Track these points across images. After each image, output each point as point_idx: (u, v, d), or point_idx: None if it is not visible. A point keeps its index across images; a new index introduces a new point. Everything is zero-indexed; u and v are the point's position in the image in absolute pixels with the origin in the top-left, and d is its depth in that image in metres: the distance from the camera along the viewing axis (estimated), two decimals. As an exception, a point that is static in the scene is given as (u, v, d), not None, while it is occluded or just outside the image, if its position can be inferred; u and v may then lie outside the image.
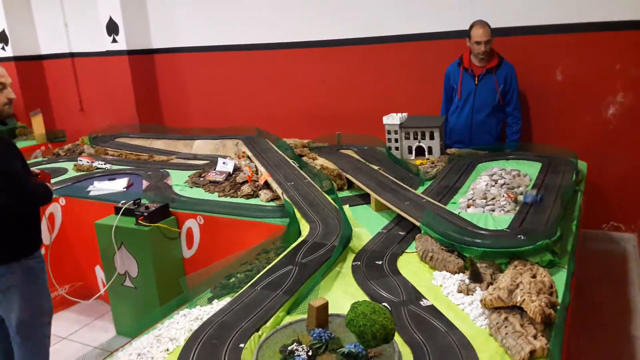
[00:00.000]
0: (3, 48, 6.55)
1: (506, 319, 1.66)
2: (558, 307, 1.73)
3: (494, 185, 3.05)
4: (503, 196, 2.85)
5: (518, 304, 1.67)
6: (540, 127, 4.33)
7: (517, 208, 2.69)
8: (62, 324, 3.63)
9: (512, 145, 3.98)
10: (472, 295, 1.89)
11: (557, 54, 4.17)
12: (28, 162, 4.43)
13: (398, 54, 4.75)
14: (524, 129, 4.19)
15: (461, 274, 2.04)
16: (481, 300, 1.76)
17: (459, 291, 1.92)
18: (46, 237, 3.64)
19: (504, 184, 3.06)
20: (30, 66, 6.68)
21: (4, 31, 6.48)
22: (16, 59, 6.54)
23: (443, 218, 2.46)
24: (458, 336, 1.63)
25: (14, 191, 2.43)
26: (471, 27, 3.92)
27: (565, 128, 4.22)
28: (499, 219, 2.58)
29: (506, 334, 1.60)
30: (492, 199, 2.86)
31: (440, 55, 4.46)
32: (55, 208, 3.70)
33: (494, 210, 2.71)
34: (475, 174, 3.36)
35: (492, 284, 1.91)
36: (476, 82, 4.01)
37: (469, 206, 2.79)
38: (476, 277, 1.97)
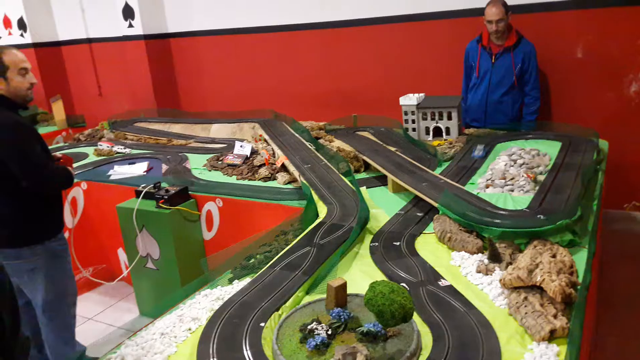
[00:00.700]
0: (22, 35, 6.61)
1: (526, 298, 1.66)
2: (579, 287, 1.72)
3: (513, 165, 3.03)
4: (522, 176, 2.82)
5: (538, 284, 1.67)
6: (560, 105, 4.25)
7: (537, 188, 2.66)
8: (87, 305, 3.72)
9: (529, 125, 3.92)
10: (491, 275, 1.89)
11: (577, 31, 4.07)
12: (50, 147, 4.52)
13: (415, 33, 4.68)
14: (543, 107, 4.12)
15: (480, 254, 2.04)
16: (500, 280, 1.76)
17: (478, 271, 1.92)
18: (69, 221, 3.73)
19: (523, 163, 3.03)
20: (49, 52, 6.75)
21: (22, 18, 6.54)
22: (35, 45, 6.61)
23: (461, 199, 2.45)
24: (477, 316, 1.64)
25: (34, 175, 2.49)
26: (486, 5, 3.85)
27: (586, 106, 4.14)
28: (518, 199, 2.56)
29: (526, 313, 1.60)
30: (511, 179, 2.83)
31: (457, 34, 4.39)
32: (77, 192, 3.77)
33: (513, 191, 2.69)
34: (494, 154, 3.33)
35: (511, 264, 1.91)
36: (493, 61, 3.96)
37: (487, 186, 2.78)
38: (495, 257, 1.97)
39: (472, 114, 4.14)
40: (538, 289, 1.69)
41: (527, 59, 3.90)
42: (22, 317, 2.78)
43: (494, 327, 1.58)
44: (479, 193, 2.65)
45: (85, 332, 3.39)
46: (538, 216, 2.19)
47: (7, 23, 6.67)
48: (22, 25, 6.58)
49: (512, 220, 2.18)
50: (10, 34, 6.66)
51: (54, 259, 2.65)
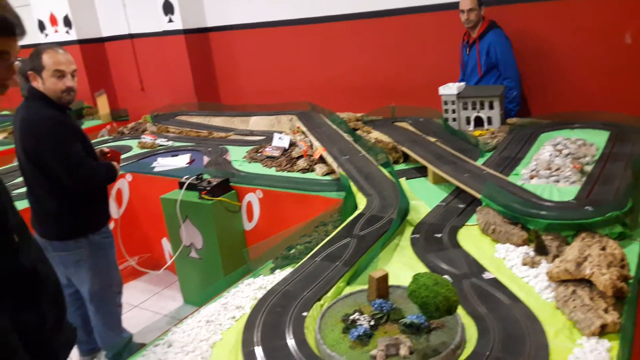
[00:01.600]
0: (67, 32, 6.83)
1: (574, 292, 1.62)
2: (630, 281, 1.66)
3: (558, 156, 2.94)
4: (568, 167, 2.74)
5: (587, 277, 1.62)
6: (606, 93, 4.08)
7: (584, 179, 2.58)
8: (133, 293, 3.85)
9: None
10: (537, 268, 1.85)
11: (627, 15, 3.89)
12: (95, 141, 4.66)
13: (454, 21, 4.58)
14: (590, 96, 3.97)
15: (525, 247, 2.00)
16: (547, 273, 1.72)
17: (524, 264, 1.88)
18: (115, 212, 3.85)
19: (569, 154, 2.94)
20: (93, 48, 6.93)
21: (67, 15, 6.74)
22: (80, 42, 6.80)
23: (505, 190, 2.40)
24: (523, 309, 1.61)
25: (71, 173, 2.54)
26: None
27: (634, 93, 3.96)
28: (565, 190, 2.48)
29: (574, 307, 1.56)
30: (557, 169, 2.75)
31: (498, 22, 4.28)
32: (122, 184, 3.89)
33: (558, 181, 2.62)
34: (538, 144, 3.24)
35: (558, 256, 1.86)
36: (468, 52, 4.13)
37: (532, 177, 2.71)
38: (541, 250, 1.92)
39: None
40: (587, 282, 1.64)
41: (492, 49, 3.94)
42: (72, 305, 2.90)
43: (541, 320, 1.55)
44: (523, 184, 2.59)
45: (132, 319, 3.51)
46: (586, 208, 2.12)
47: (53, 21, 6.90)
48: (67, 22, 6.79)
49: (558, 212, 2.12)
50: (56, 31, 6.89)
51: (98, 251, 2.73)
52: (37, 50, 2.56)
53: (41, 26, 7.01)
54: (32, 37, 7.05)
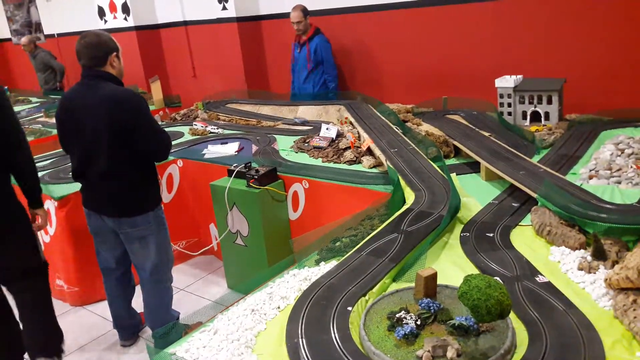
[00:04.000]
0: (125, 19, 7.02)
1: (635, 301, 1.53)
2: (699, 293, 1.55)
3: (620, 155, 2.80)
4: (631, 167, 2.60)
5: (650, 287, 1.53)
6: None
7: (649, 181, 2.43)
8: (179, 277, 3.93)
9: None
10: (595, 273, 1.76)
11: None
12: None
13: (511, 11, 4.40)
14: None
15: (582, 251, 1.90)
16: (606, 280, 1.64)
17: (580, 269, 1.80)
18: (166, 196, 3.95)
19: (632, 153, 2.79)
20: (148, 35, 7.10)
21: (125, 2, 6.93)
22: (137, 28, 6.99)
23: (563, 189, 2.29)
24: (578, 316, 1.54)
25: (160, 140, 2.70)
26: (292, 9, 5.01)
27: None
28: (627, 192, 2.36)
29: (635, 317, 1.47)
30: (618, 169, 2.61)
31: (558, 11, 4.07)
32: (173, 169, 3.98)
33: (620, 183, 2.49)
34: (598, 142, 3.09)
35: (617, 262, 1.77)
36: (299, 51, 5.20)
37: (591, 177, 2.58)
38: (600, 255, 1.83)
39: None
40: (650, 292, 1.54)
41: (318, 50, 5.02)
42: (117, 289, 3.06)
43: (597, 329, 1.48)
44: (582, 184, 2.47)
45: (178, 302, 3.59)
46: (651, 212, 2.01)
47: (112, 7, 7.11)
48: (125, 9, 6.98)
49: (619, 215, 2.01)
50: (115, 17, 7.10)
51: (160, 225, 2.85)
52: (105, 34, 2.69)
53: (101, 13, 7.24)
54: (91, 23, 7.33)
